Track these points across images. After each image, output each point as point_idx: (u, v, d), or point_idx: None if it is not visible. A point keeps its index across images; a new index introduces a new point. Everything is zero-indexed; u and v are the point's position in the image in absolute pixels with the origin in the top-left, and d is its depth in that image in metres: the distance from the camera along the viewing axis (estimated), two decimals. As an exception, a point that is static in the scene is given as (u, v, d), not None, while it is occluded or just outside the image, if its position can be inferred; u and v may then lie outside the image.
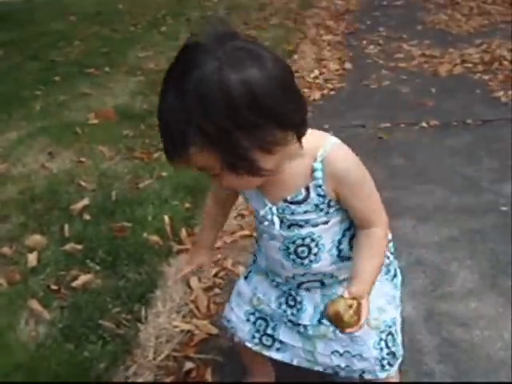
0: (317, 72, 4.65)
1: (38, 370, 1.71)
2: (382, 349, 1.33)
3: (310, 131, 1.14)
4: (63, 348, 1.81)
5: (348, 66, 4.81)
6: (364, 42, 5.49)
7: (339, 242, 1.26)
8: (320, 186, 1.16)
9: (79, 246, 2.34)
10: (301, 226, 1.22)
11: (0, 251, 2.35)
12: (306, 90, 4.18)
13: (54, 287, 2.12)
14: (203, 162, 1.03)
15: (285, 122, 1.03)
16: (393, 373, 1.39)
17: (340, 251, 1.27)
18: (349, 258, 1.28)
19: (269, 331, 1.42)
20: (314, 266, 1.28)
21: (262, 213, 1.24)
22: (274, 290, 1.39)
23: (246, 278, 1.48)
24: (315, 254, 1.26)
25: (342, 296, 1.13)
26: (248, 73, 0.97)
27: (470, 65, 4.53)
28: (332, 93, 4.24)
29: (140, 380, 1.70)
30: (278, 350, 1.42)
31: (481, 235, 2.33)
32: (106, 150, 3.30)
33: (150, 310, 2.00)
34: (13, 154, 3.29)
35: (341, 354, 1.35)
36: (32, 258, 2.27)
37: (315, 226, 1.22)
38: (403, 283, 1.96)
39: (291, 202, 1.19)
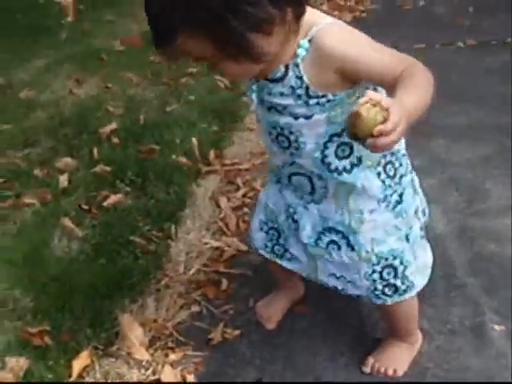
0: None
1: (73, 281, 1.75)
2: (374, 280, 1.27)
3: (310, 10, 1.06)
4: (96, 262, 1.85)
5: (380, -14, 4.59)
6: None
7: (325, 146, 1.15)
8: (297, 65, 1.06)
9: (108, 168, 2.35)
10: (279, 113, 1.14)
11: (32, 173, 2.38)
12: (336, 13, 4.03)
13: (85, 207, 2.15)
14: (195, 51, 1.00)
15: None
16: (396, 300, 1.32)
17: (325, 156, 1.17)
18: (337, 170, 1.18)
19: (281, 241, 1.40)
20: (297, 160, 1.20)
21: (244, 87, 1.20)
22: (281, 201, 1.35)
23: (266, 188, 1.46)
24: (296, 149, 1.18)
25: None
26: None
27: (511, -20, 4.28)
28: (363, 15, 4.09)
29: (170, 291, 1.73)
30: (289, 260, 1.41)
31: (517, 153, 2.25)
32: (132, 75, 3.26)
33: (179, 228, 2.02)
34: (41, 80, 3.28)
35: (337, 278, 1.32)
36: (63, 180, 2.29)
37: (296, 117, 1.12)
38: (436, 201, 1.94)
39: (271, 80, 1.11)
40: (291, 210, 1.33)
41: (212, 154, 2.44)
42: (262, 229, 1.44)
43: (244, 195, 2.22)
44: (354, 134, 0.87)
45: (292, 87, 1.08)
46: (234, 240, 1.96)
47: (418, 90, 0.98)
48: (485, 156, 2.27)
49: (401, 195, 1.25)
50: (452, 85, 2.83)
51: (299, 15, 1.03)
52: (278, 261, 1.44)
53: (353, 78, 1.07)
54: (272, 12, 0.96)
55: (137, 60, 3.47)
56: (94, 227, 2.03)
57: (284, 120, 1.14)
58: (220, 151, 2.49)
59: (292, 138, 1.16)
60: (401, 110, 0.87)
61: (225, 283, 1.78)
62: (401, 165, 1.24)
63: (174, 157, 2.41)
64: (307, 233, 1.30)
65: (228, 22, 0.94)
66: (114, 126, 2.68)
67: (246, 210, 2.13)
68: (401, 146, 1.25)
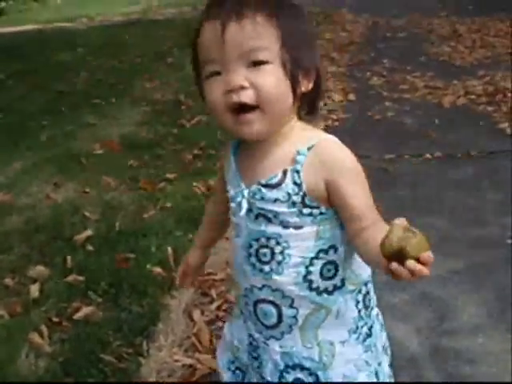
0: (321, 103, 4.68)
1: (37, 405, 1.69)
2: None
3: (306, 125, 1.13)
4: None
5: (352, 97, 4.85)
6: (368, 73, 5.55)
7: (310, 262, 1.10)
8: (298, 172, 1.06)
9: (81, 278, 2.33)
10: (269, 220, 1.10)
11: (2, 282, 2.35)
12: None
13: (56, 319, 2.10)
14: (260, 36, 1.02)
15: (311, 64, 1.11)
16: None
17: (309, 273, 1.11)
18: (317, 290, 1.12)
19: None
20: (275, 277, 1.12)
21: (232, 193, 1.15)
22: (246, 335, 1.25)
23: (230, 321, 1.36)
24: (278, 263, 1.11)
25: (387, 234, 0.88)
26: None
27: (473, 96, 4.56)
28: (336, 124, 4.27)
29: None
30: None
31: (486, 268, 2.30)
32: (110, 180, 3.31)
33: (151, 344, 1.98)
34: (18, 184, 3.31)
35: None
36: (34, 290, 2.26)
37: (285, 227, 1.09)
38: (407, 319, 1.96)
39: (264, 185, 1.09)
40: (254, 344, 1.23)
41: (187, 263, 2.43)
42: (229, 368, 1.32)
43: (218, 308, 2.20)
44: (401, 248, 0.84)
45: (288, 193, 1.07)
46: (206, 357, 1.93)
47: None
48: (455, 271, 2.31)
49: (370, 328, 1.20)
50: (421, 197, 2.94)
51: (312, 107, 1.16)
52: None
53: (331, 198, 1.07)
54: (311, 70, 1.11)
55: (115, 164, 3.54)
56: (64, 342, 1.98)
57: (272, 229, 1.10)
58: (195, 260, 2.49)
59: (278, 249, 1.11)
60: None
61: (197, 406, 1.73)
62: (372, 297, 1.22)
63: (148, 266, 2.40)
64: (269, 371, 1.19)
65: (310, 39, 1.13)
66: (89, 232, 2.68)
67: (219, 324, 2.10)
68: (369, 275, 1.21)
